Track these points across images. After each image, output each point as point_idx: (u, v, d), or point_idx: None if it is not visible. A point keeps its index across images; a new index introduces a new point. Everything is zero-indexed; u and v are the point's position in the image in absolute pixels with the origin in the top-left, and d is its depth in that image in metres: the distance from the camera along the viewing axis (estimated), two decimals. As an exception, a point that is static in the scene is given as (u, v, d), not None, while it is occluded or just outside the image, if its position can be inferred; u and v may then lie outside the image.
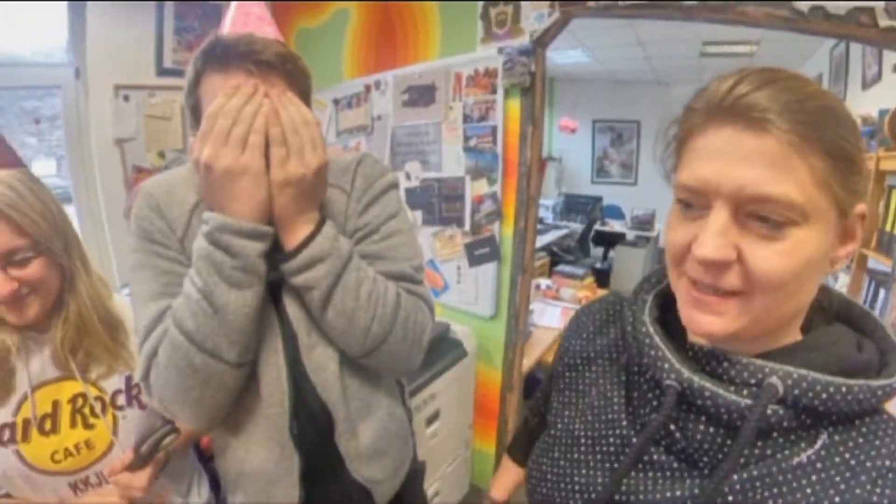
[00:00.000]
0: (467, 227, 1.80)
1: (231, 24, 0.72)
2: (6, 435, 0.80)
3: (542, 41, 1.53)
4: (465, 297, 1.87)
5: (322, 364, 0.76)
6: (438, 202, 1.88)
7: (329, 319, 0.71)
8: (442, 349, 1.69)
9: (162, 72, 2.06)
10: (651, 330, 0.49)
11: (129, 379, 0.88)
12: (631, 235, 4.97)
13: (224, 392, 0.70)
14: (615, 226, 5.22)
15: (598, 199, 5.39)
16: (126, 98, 1.98)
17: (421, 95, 1.84)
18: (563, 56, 4.37)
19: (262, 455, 0.77)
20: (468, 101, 1.71)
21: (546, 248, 4.31)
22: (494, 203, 1.71)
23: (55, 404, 0.83)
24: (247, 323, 0.67)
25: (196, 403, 0.69)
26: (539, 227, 2.49)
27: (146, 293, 0.71)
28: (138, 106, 2.01)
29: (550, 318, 2.49)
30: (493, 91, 1.64)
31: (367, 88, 2.03)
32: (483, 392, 1.93)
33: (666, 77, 4.96)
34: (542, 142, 1.71)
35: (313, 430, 0.79)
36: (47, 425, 0.82)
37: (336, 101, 2.19)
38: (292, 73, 0.70)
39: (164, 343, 0.67)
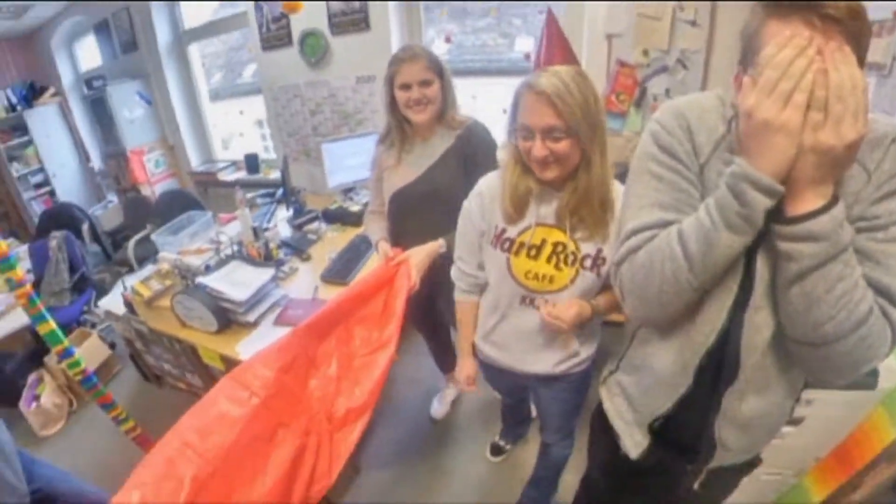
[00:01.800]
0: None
1: None
2: (506, 245, 1.17)
3: None
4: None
5: (758, 326, 0.77)
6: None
7: (790, 294, 0.69)
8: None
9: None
10: None
11: (599, 250, 1.12)
12: None
13: (677, 304, 0.79)
14: None
15: None
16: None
17: None
18: None
19: (667, 360, 0.88)
20: None
21: None
22: None
23: (543, 241, 1.15)
24: (725, 262, 0.72)
25: (654, 303, 0.80)
26: None
27: (652, 199, 0.81)
28: (629, 6, 2.12)
29: None
30: None
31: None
32: (859, 440, 1.56)
33: None
34: None
35: (712, 375, 0.84)
36: (532, 252, 1.16)
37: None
38: (856, 33, 0.63)
39: (653, 248, 0.77)
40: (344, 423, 1.28)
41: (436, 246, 1.56)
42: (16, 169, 4.88)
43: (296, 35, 2.92)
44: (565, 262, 1.14)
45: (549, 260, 1.14)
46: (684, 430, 0.93)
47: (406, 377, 2.69)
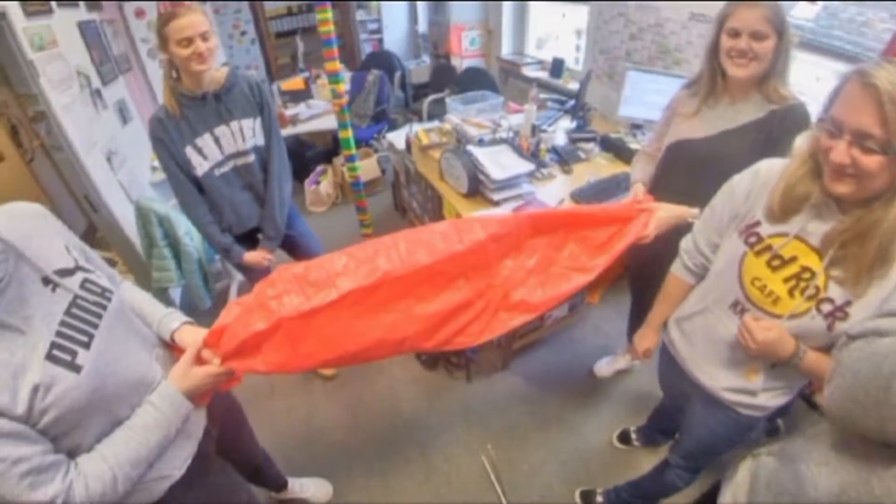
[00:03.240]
0: None
1: None
2: (752, 239, 1.00)
3: None
4: None
5: None
6: None
7: None
8: None
9: None
10: None
11: (847, 302, 0.89)
12: None
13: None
14: None
15: None
16: None
17: None
18: None
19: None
20: None
21: None
22: None
23: (792, 258, 0.95)
24: None
25: (867, 411, 0.65)
26: None
27: None
28: None
29: None
30: None
31: None
32: None
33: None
34: None
35: None
36: (775, 262, 0.97)
37: None
38: None
39: None
40: (512, 308, 1.32)
41: (688, 212, 1.40)
42: (360, 15, 6.01)
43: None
44: (801, 293, 0.93)
45: (787, 280, 0.95)
46: None
47: (592, 322, 2.65)
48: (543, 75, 3.87)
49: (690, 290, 1.27)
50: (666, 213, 1.42)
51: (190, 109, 1.60)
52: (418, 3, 5.86)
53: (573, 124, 2.85)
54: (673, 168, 1.54)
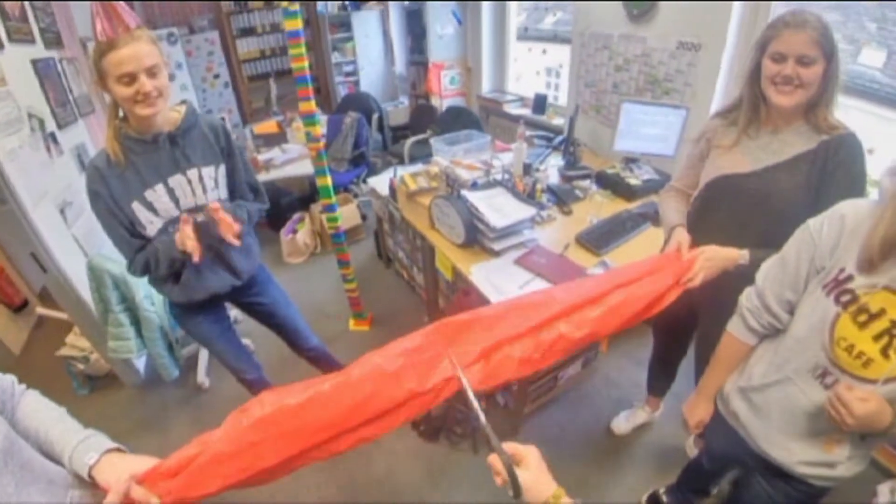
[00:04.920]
0: None
1: None
2: (845, 297, 0.86)
3: None
4: None
5: None
6: None
7: None
8: None
9: None
10: None
11: None
12: None
13: None
14: None
15: None
16: None
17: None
18: None
19: None
20: None
21: None
22: None
23: (881, 311, 0.83)
24: None
25: None
26: None
27: None
28: None
29: None
30: None
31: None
32: None
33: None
34: None
35: None
36: (862, 318, 0.84)
37: None
38: None
39: None
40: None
41: (736, 255, 1.23)
42: (335, 57, 5.97)
43: (626, -19, 2.63)
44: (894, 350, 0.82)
45: (877, 338, 0.84)
46: None
47: (602, 373, 2.43)
48: (526, 112, 3.79)
49: (751, 352, 1.11)
50: (712, 256, 1.24)
51: (138, 156, 1.32)
52: (395, 43, 5.84)
53: (563, 161, 2.71)
54: (714, 206, 1.38)
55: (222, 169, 1.47)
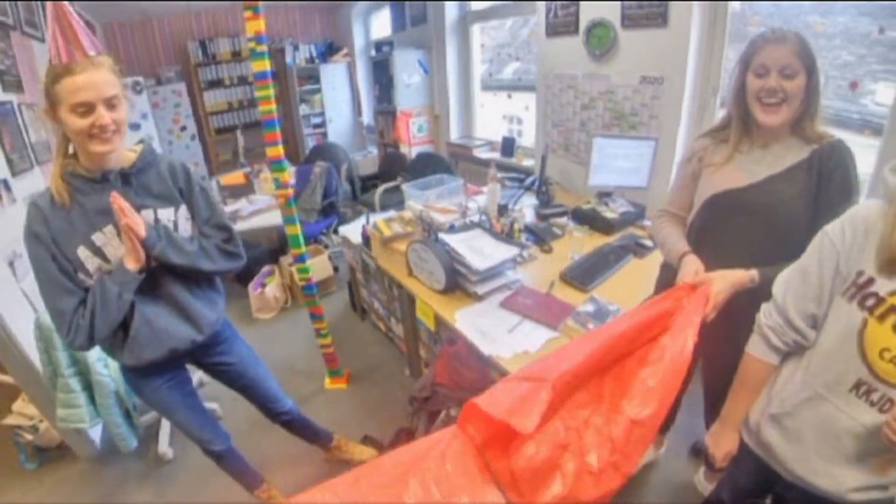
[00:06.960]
0: None
1: None
2: (870, 302, 0.81)
3: None
4: None
5: None
6: None
7: None
8: None
9: None
10: None
11: None
12: None
13: None
14: None
15: None
16: None
17: None
18: None
19: None
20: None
21: None
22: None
23: None
24: None
25: None
26: None
27: None
28: None
29: None
30: None
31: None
32: None
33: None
34: None
35: None
36: (893, 319, 0.78)
37: None
38: None
39: None
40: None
41: (745, 277, 1.17)
42: (303, 109, 6.02)
43: (583, 24, 2.72)
44: None
45: None
46: None
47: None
48: (496, 156, 3.82)
49: (777, 375, 1.04)
50: (721, 283, 1.16)
51: (86, 196, 1.17)
52: (362, 93, 5.91)
53: (537, 201, 2.70)
54: (715, 225, 1.33)
55: (183, 210, 1.31)
